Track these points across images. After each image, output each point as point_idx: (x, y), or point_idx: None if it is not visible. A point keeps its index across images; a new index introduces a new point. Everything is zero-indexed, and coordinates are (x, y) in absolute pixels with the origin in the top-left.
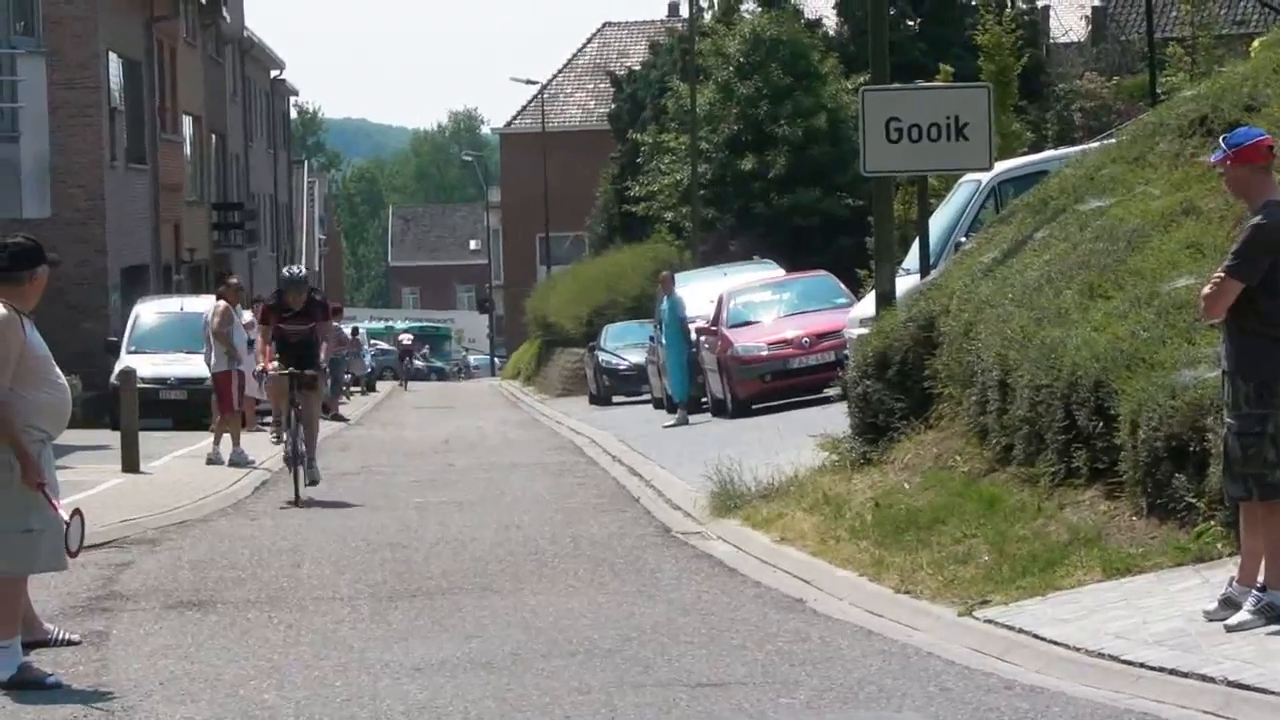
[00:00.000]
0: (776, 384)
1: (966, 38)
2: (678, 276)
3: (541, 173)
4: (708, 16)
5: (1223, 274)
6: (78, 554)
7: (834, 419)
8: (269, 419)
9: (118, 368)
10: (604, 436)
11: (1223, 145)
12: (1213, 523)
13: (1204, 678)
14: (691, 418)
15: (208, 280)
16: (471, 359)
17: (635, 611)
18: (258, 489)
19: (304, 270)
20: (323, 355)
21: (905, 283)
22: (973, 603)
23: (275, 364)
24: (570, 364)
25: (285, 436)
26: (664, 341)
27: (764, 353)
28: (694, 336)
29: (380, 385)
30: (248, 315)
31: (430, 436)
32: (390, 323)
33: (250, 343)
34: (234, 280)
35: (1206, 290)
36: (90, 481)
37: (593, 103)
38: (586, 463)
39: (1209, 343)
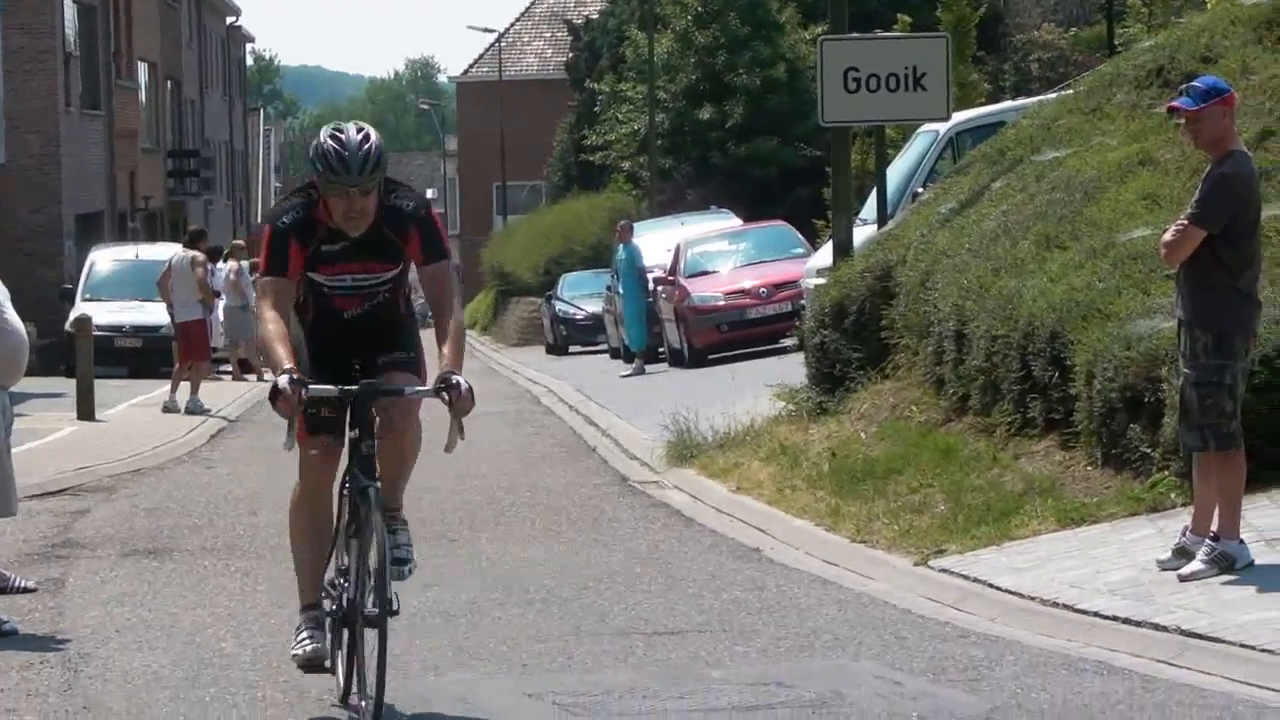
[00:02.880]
0: (733, 334)
1: None
2: (635, 226)
3: (498, 121)
4: None
5: (1186, 221)
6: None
7: (791, 369)
8: (226, 368)
9: (73, 315)
10: (561, 386)
11: (1200, 91)
12: (1166, 473)
13: (1157, 626)
14: (648, 367)
15: (163, 228)
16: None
17: (592, 560)
18: (214, 437)
19: (373, 135)
20: (449, 353)
21: (862, 233)
22: (928, 552)
23: (286, 372)
24: (527, 313)
25: (335, 564)
26: (621, 291)
27: (721, 303)
28: (651, 286)
29: None
30: (223, 266)
31: None
32: None
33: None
34: (195, 227)
35: (1168, 237)
36: (46, 429)
37: (550, 51)
38: (543, 412)
39: (1164, 293)
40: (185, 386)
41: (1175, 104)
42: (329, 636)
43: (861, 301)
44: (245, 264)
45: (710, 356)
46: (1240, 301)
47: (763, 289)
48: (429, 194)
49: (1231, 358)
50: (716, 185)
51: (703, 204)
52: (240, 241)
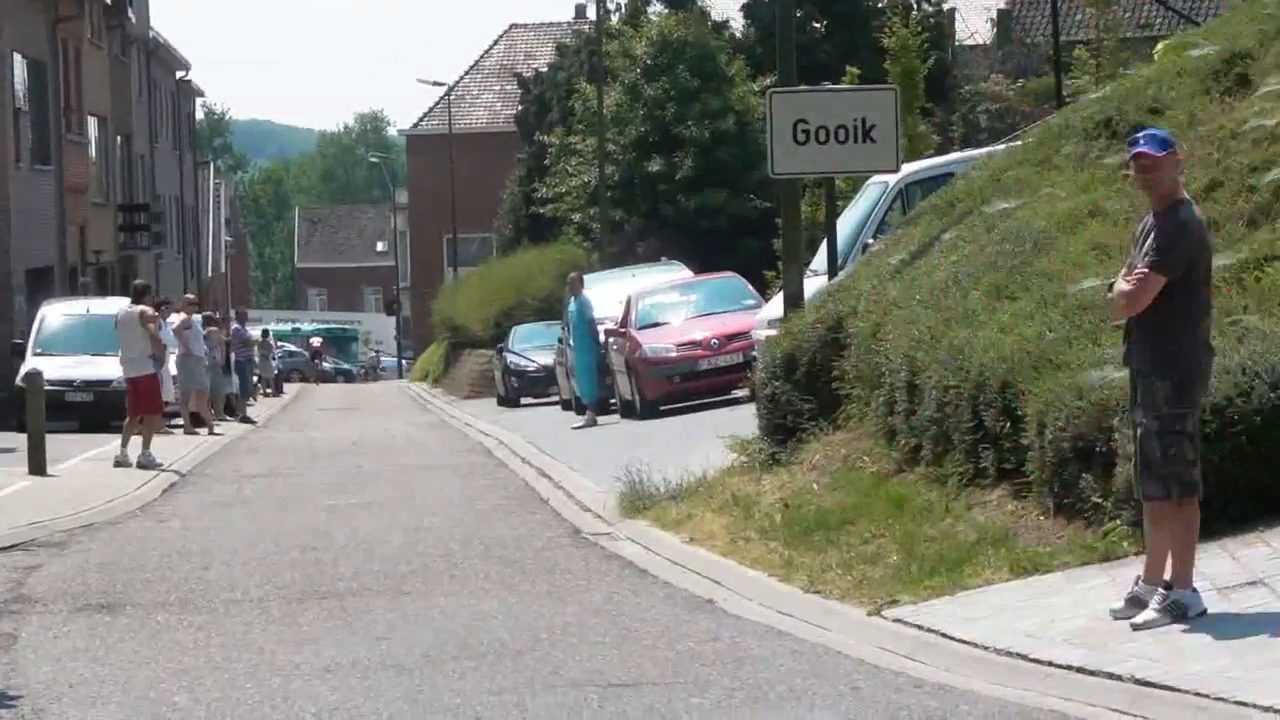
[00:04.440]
0: (685, 385)
1: (873, 40)
2: (586, 278)
3: (448, 174)
4: (614, 18)
5: (1146, 269)
6: None
7: (743, 420)
8: (177, 421)
9: (23, 370)
10: (513, 438)
11: (1159, 140)
12: (1119, 522)
13: (1111, 676)
14: (600, 419)
15: (114, 282)
16: (374, 357)
17: (546, 612)
18: (166, 491)
19: None
20: None
21: (813, 284)
22: (882, 602)
23: None
24: (478, 366)
25: None
26: (572, 343)
27: (672, 354)
28: (603, 338)
29: (287, 387)
30: (174, 318)
31: (339, 438)
32: (297, 325)
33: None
34: (140, 281)
35: (1127, 287)
36: None
37: (500, 104)
38: (495, 464)
39: (1114, 343)
40: (137, 440)
41: (1144, 149)
42: None
43: (813, 352)
44: (198, 317)
45: (662, 408)
46: (1197, 349)
47: (714, 340)
48: (379, 247)
49: (1192, 405)
50: (667, 237)
51: (654, 256)
52: (192, 295)
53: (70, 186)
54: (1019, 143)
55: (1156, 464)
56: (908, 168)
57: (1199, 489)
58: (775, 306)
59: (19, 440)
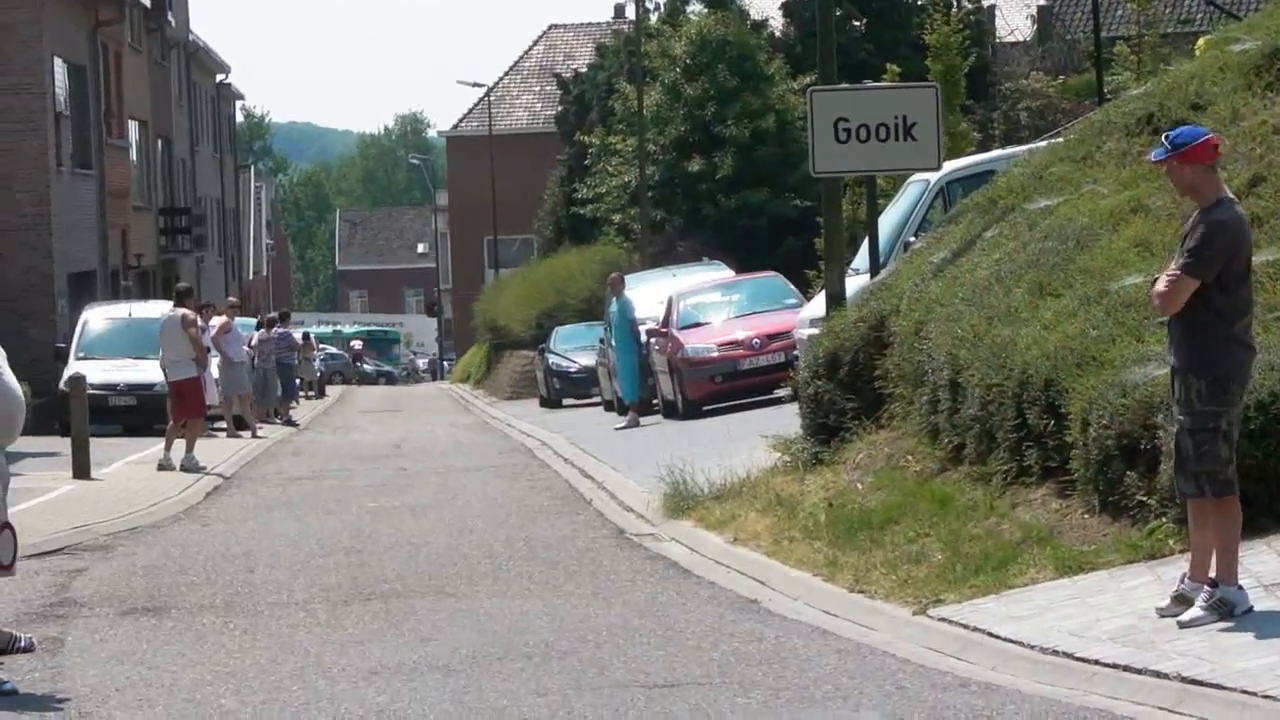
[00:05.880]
0: (727, 385)
1: (913, 38)
2: (627, 278)
3: (489, 175)
4: (654, 18)
5: (1179, 271)
6: (12, 567)
7: (785, 420)
8: (220, 424)
9: (67, 374)
10: (555, 439)
11: (1166, 144)
12: (1164, 520)
13: (1158, 674)
14: (642, 420)
15: (156, 286)
16: (423, 362)
17: (590, 613)
18: (210, 494)
19: None
20: None
21: (855, 283)
22: (926, 602)
23: None
24: (520, 367)
25: None
26: (614, 344)
27: (714, 354)
28: (644, 338)
29: (329, 389)
30: (215, 321)
31: (381, 441)
32: (338, 327)
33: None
34: (182, 284)
35: (1161, 288)
36: (42, 488)
37: (539, 105)
38: (538, 465)
39: (1158, 340)
40: (180, 444)
41: (1151, 157)
42: None
43: (855, 351)
44: (239, 321)
45: (705, 408)
46: (1235, 348)
47: (756, 340)
48: (420, 248)
49: (1227, 404)
50: (707, 237)
51: (694, 256)
52: (234, 299)
53: (111, 190)
54: (1060, 139)
55: (1191, 462)
56: (949, 165)
57: (1234, 488)
58: (817, 305)
59: (63, 444)
